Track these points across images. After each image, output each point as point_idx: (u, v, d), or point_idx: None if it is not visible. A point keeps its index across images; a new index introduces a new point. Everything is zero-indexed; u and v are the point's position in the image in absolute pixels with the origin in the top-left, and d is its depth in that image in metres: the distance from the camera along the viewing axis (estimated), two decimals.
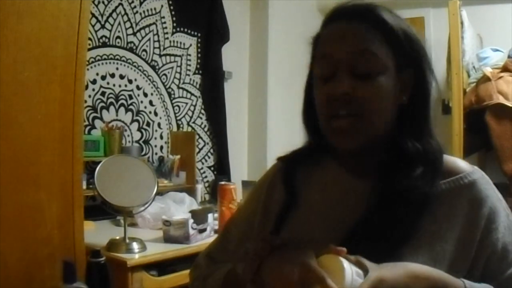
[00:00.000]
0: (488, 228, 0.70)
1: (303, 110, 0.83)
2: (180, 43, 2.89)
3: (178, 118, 2.89)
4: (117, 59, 2.54)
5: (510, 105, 2.35)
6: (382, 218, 0.69)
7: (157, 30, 2.75)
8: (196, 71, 3.00)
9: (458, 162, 0.76)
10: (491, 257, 0.70)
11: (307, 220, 0.78)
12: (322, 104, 0.72)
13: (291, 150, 0.86)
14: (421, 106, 0.74)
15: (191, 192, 2.56)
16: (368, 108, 0.69)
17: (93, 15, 2.37)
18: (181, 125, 2.91)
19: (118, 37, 2.54)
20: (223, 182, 2.23)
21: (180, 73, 2.90)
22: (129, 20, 2.59)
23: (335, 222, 0.74)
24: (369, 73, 0.69)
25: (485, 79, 2.48)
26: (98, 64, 2.45)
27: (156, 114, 2.75)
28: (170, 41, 2.83)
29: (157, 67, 2.76)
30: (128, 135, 2.59)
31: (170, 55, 2.83)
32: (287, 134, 3.27)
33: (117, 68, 2.54)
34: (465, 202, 0.71)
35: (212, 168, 3.08)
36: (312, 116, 0.78)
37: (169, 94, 2.83)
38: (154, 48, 2.74)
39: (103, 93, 2.47)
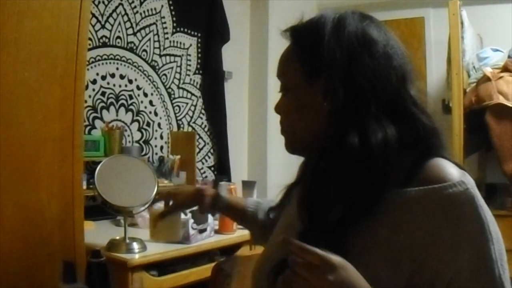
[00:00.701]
0: (446, 257, 0.64)
1: None
2: (180, 43, 2.89)
3: (178, 118, 2.89)
4: (117, 59, 2.54)
5: (510, 105, 2.35)
6: (316, 227, 0.70)
7: (157, 30, 2.75)
8: (196, 71, 3.00)
9: (443, 169, 0.69)
10: None
11: (277, 225, 0.91)
12: None
13: None
14: (346, 109, 0.71)
15: None
16: (286, 118, 0.82)
17: (93, 15, 2.37)
18: (181, 125, 2.91)
19: (118, 37, 2.54)
20: (223, 182, 2.23)
21: (180, 73, 2.90)
22: (129, 20, 2.59)
23: (288, 222, 0.83)
24: (285, 90, 0.82)
25: (485, 79, 2.48)
26: (98, 64, 2.45)
27: (156, 114, 2.76)
28: (170, 41, 2.83)
29: (157, 67, 2.76)
30: (128, 135, 2.59)
31: (170, 55, 2.83)
32: None
33: (117, 68, 2.54)
34: (435, 216, 0.65)
35: (212, 168, 3.08)
36: None
37: (169, 94, 2.83)
38: (154, 48, 2.74)
39: (103, 93, 2.47)
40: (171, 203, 1.19)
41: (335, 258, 0.59)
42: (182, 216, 1.88)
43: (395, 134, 0.70)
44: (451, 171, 0.69)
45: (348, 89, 0.72)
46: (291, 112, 0.80)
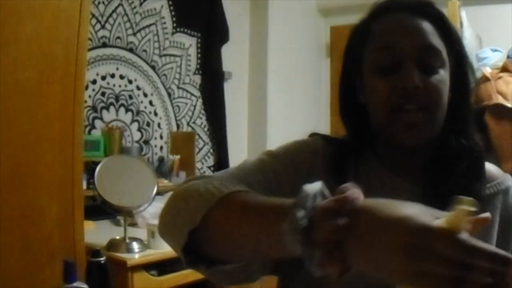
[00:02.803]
0: None
1: (341, 102, 0.77)
2: (180, 43, 2.89)
3: (178, 118, 2.89)
4: (117, 59, 2.55)
5: (509, 105, 2.35)
6: None
7: (157, 30, 2.75)
8: (196, 71, 3.00)
9: (491, 167, 0.76)
10: None
11: None
12: (384, 97, 0.68)
13: (332, 137, 0.78)
14: (463, 102, 0.74)
15: None
16: (435, 102, 0.68)
17: (93, 15, 2.38)
18: (181, 125, 2.91)
19: (118, 37, 2.54)
20: None
21: (180, 73, 2.90)
22: (129, 20, 2.59)
23: None
24: (434, 68, 0.68)
25: (484, 79, 2.48)
26: (98, 64, 2.45)
27: (156, 114, 2.76)
28: (170, 41, 2.83)
29: (157, 67, 2.76)
30: (128, 135, 2.59)
31: (170, 55, 2.84)
32: (287, 133, 3.27)
33: (117, 68, 2.54)
34: (503, 207, 0.73)
35: (212, 168, 3.08)
36: (353, 109, 0.75)
37: (169, 94, 2.84)
38: (154, 48, 2.74)
39: (103, 93, 2.47)
40: None
41: None
42: None
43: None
44: (493, 167, 0.76)
45: (465, 86, 0.74)
46: (442, 95, 0.69)
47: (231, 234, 0.55)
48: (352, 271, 0.45)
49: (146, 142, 2.71)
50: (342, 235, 0.43)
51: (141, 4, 2.66)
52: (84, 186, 1.93)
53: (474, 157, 0.71)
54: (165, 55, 2.81)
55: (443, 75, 0.69)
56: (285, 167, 0.72)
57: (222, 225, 0.56)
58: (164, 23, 2.79)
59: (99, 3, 2.43)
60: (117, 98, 2.54)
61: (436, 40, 0.69)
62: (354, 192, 0.46)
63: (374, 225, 0.44)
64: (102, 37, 2.46)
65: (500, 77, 2.44)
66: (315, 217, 0.44)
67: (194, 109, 2.99)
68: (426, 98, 0.67)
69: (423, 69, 0.67)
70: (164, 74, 2.81)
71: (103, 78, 2.47)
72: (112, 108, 2.52)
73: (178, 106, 2.89)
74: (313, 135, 0.78)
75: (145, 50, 2.69)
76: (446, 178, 0.68)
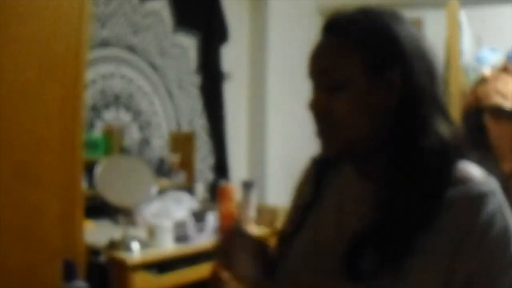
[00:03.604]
0: (467, 251, 0.66)
1: None
2: (180, 43, 2.89)
3: (177, 118, 2.89)
4: (117, 59, 2.55)
5: (509, 106, 2.36)
6: (385, 227, 0.68)
7: (157, 30, 2.75)
8: (196, 71, 3.00)
9: (471, 169, 0.71)
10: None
11: (322, 221, 0.80)
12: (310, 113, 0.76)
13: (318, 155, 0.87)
14: (410, 106, 0.71)
15: (191, 192, 2.56)
16: (341, 121, 0.71)
17: (93, 15, 2.38)
18: (181, 125, 2.91)
19: (118, 37, 2.54)
20: (222, 182, 2.23)
21: (180, 73, 2.90)
22: (129, 20, 2.60)
23: (343, 225, 0.76)
24: (338, 87, 0.71)
25: (484, 79, 2.49)
26: (98, 64, 2.45)
27: (156, 114, 2.76)
28: (170, 41, 2.83)
29: (157, 67, 2.76)
30: (128, 135, 2.59)
31: (170, 55, 2.84)
32: (286, 134, 3.27)
33: (117, 68, 2.54)
34: (468, 214, 0.67)
35: (211, 168, 3.08)
36: None
37: (169, 94, 2.84)
38: (154, 48, 2.74)
39: (103, 93, 2.47)
40: None
41: None
42: (182, 216, 1.88)
43: (448, 136, 0.72)
44: (477, 171, 0.72)
45: (413, 86, 0.70)
46: (350, 109, 0.71)
47: None
48: None
49: (146, 141, 2.71)
50: None
51: (141, 4, 2.66)
52: (84, 186, 1.93)
53: (428, 158, 0.69)
54: (165, 55, 2.81)
55: (348, 92, 0.71)
56: (299, 192, 0.89)
57: None
58: (164, 22, 2.79)
59: (99, 3, 2.43)
60: (117, 98, 2.55)
61: (335, 60, 0.72)
62: None
63: None
64: (102, 37, 2.46)
65: (499, 78, 2.44)
66: None
67: (194, 109, 2.99)
68: (328, 117, 0.72)
69: (331, 89, 0.72)
70: (164, 74, 2.81)
71: (103, 78, 2.47)
72: (112, 108, 2.52)
73: (178, 106, 2.89)
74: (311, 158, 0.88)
75: (145, 50, 2.69)
76: (394, 179, 0.70)
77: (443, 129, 0.71)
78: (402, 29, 0.72)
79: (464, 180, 0.69)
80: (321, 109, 0.73)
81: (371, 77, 0.70)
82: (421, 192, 0.68)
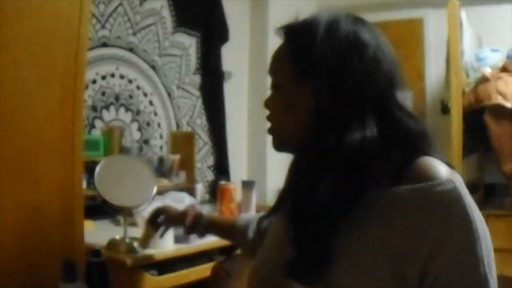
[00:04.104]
0: (432, 255, 0.65)
1: None
2: (180, 43, 2.89)
3: (178, 118, 2.89)
4: (117, 59, 2.55)
5: (509, 106, 2.36)
6: (306, 230, 0.71)
7: (157, 30, 2.75)
8: (196, 71, 3.00)
9: (432, 167, 0.69)
10: None
11: (270, 228, 0.92)
12: None
13: None
14: (329, 109, 0.74)
15: (191, 192, 2.56)
16: (274, 114, 0.85)
17: (93, 15, 2.38)
18: (181, 125, 2.91)
19: (118, 37, 2.54)
20: (222, 182, 2.23)
21: (180, 73, 2.90)
22: (129, 20, 2.59)
23: (277, 239, 0.84)
24: (275, 87, 0.85)
25: (484, 79, 2.48)
26: (98, 64, 2.45)
27: (156, 114, 2.76)
28: (170, 41, 2.83)
29: (157, 67, 2.76)
30: (128, 135, 2.59)
31: (170, 55, 2.84)
32: None
33: (117, 68, 2.54)
34: (422, 214, 0.66)
35: (211, 168, 3.08)
36: None
37: (169, 94, 2.84)
38: (154, 48, 2.74)
39: (103, 93, 2.47)
40: (161, 217, 1.36)
41: None
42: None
43: (375, 135, 0.71)
44: (440, 169, 0.69)
45: (335, 91, 0.74)
46: (279, 109, 0.83)
47: None
48: None
49: (146, 141, 2.71)
50: None
51: (141, 4, 2.66)
52: (84, 186, 1.93)
53: (347, 159, 0.70)
54: (165, 54, 2.81)
55: (279, 93, 0.84)
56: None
57: None
58: (164, 22, 2.79)
59: (99, 2, 2.43)
60: (117, 98, 2.54)
61: (276, 64, 0.85)
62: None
63: None
64: (102, 37, 2.46)
65: (500, 77, 2.44)
66: None
67: (194, 109, 2.99)
68: (270, 113, 0.86)
69: (271, 88, 0.86)
70: (164, 74, 2.81)
71: (103, 77, 2.47)
72: (112, 108, 2.52)
73: (178, 106, 2.89)
74: None
75: (145, 50, 2.69)
76: (318, 175, 0.73)
77: (372, 131, 0.71)
78: (338, 37, 0.75)
79: (422, 178, 0.68)
80: (266, 103, 0.87)
81: (297, 83, 0.78)
82: (339, 188, 0.69)
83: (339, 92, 0.74)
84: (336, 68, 0.74)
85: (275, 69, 0.85)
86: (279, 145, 0.85)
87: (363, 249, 0.68)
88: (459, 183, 0.69)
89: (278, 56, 0.84)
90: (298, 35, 0.80)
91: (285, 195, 0.87)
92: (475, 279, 0.66)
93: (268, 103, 0.86)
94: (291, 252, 0.72)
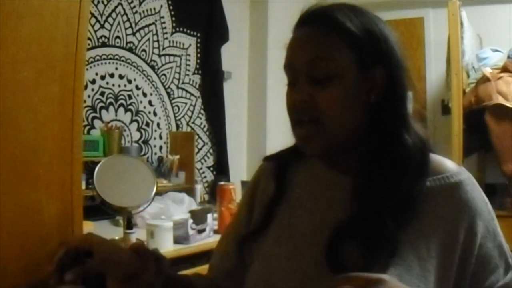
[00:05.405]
0: (472, 232, 0.70)
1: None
2: (180, 43, 2.89)
3: (177, 118, 2.88)
4: (117, 59, 2.54)
5: (510, 106, 2.35)
6: (365, 218, 0.69)
7: (157, 30, 2.75)
8: (196, 71, 3.00)
9: (445, 161, 0.75)
10: (474, 263, 0.70)
11: (293, 215, 0.79)
12: (288, 110, 0.75)
13: (277, 150, 0.88)
14: (392, 103, 0.72)
15: (190, 192, 2.56)
16: (328, 112, 0.70)
17: (93, 15, 2.37)
18: (181, 125, 2.90)
19: (117, 37, 2.54)
20: (222, 182, 2.23)
21: (179, 73, 2.89)
22: (128, 20, 2.59)
23: (320, 217, 0.76)
24: (327, 78, 0.70)
25: (485, 79, 2.48)
26: (98, 64, 2.45)
27: (155, 114, 2.75)
28: (169, 41, 2.83)
29: (156, 67, 2.76)
30: (128, 135, 2.59)
31: (169, 55, 2.83)
32: (286, 134, 3.26)
33: (116, 68, 2.54)
34: (450, 202, 0.70)
35: (211, 168, 3.08)
36: None
37: (169, 94, 2.83)
38: (154, 48, 2.74)
39: (102, 93, 2.47)
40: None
41: (378, 274, 0.59)
42: (182, 216, 1.87)
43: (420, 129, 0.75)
44: (448, 162, 0.75)
45: (396, 85, 0.72)
46: (335, 104, 0.70)
47: None
48: None
49: (145, 142, 2.70)
50: None
51: (140, 3, 2.65)
52: (83, 186, 1.92)
53: (409, 158, 0.71)
54: (164, 55, 2.80)
55: (340, 84, 0.70)
56: (247, 197, 0.88)
57: None
58: (164, 22, 2.79)
59: (98, 2, 2.43)
60: (116, 98, 2.54)
61: (329, 49, 0.70)
62: None
63: None
64: (101, 37, 2.46)
65: (500, 77, 2.44)
66: None
67: (194, 109, 2.99)
68: (315, 111, 0.70)
69: (317, 81, 0.70)
70: (164, 74, 2.80)
71: (103, 78, 2.47)
72: (111, 108, 2.51)
73: (177, 106, 2.88)
74: (264, 159, 0.89)
75: (144, 50, 2.68)
76: (374, 170, 0.72)
77: (417, 125, 0.75)
78: (387, 30, 0.75)
79: (441, 171, 0.73)
80: (306, 102, 0.70)
81: (358, 72, 0.71)
82: (401, 184, 0.70)
83: (396, 86, 0.72)
84: (395, 60, 0.73)
85: (324, 56, 0.70)
86: (327, 147, 0.73)
87: (420, 236, 0.69)
88: (466, 171, 0.75)
89: (328, 43, 0.70)
90: (355, 23, 0.71)
91: (273, 209, 0.80)
92: (502, 240, 0.73)
93: (309, 98, 0.70)
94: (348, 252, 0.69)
